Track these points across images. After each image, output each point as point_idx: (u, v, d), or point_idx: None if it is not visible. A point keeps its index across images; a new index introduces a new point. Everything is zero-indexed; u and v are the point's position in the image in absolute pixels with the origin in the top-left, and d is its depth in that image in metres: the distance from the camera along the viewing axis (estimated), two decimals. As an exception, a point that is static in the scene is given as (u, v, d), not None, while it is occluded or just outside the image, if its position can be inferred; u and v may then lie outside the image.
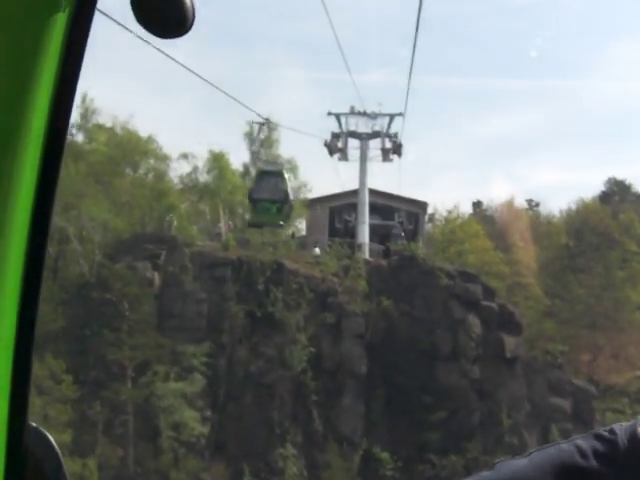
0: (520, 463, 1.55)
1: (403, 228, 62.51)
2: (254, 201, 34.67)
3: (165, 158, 60.69)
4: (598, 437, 1.57)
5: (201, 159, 56.39)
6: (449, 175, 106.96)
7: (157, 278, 45.76)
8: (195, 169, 55.36)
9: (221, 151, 55.61)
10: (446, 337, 48.49)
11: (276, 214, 34.50)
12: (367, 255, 56.17)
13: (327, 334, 47.06)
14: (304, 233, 65.38)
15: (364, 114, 61.79)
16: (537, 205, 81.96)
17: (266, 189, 34.99)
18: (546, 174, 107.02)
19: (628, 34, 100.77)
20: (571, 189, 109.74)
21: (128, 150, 55.93)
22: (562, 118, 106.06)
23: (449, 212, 68.92)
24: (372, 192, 61.33)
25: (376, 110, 61.91)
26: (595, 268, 65.02)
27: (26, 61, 1.38)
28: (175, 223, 51.42)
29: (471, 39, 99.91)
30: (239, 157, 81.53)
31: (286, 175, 37.07)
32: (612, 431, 1.57)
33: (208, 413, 43.12)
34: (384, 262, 52.17)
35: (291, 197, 53.70)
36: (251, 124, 47.08)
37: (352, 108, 62.04)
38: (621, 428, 1.58)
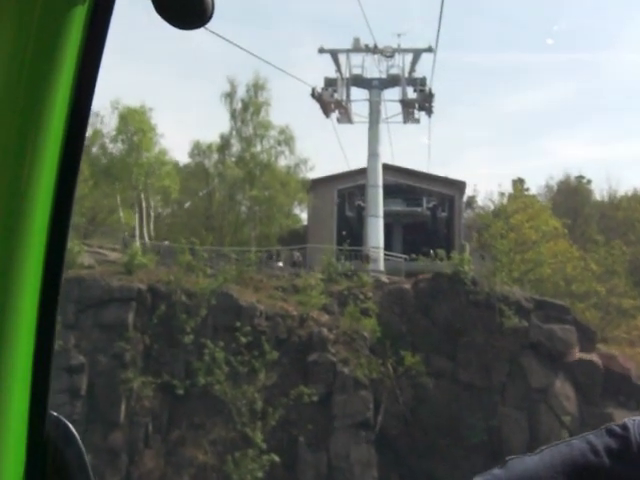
0: (531, 460, 1.53)
1: (434, 217, 44.04)
2: None
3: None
4: (610, 433, 1.54)
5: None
6: (479, 153, 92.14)
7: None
8: (97, 134, 34.33)
9: (142, 105, 34.85)
10: (517, 420, 27.81)
11: None
12: (382, 267, 36.12)
13: (305, 423, 26.38)
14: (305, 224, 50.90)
15: (374, 50, 40.67)
16: (589, 182, 62.87)
17: None
18: (582, 149, 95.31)
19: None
20: (613, 164, 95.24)
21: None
22: (591, 92, 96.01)
23: (502, 194, 48.84)
24: (390, 169, 44.41)
25: (393, 44, 40.94)
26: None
27: (45, 58, 1.38)
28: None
29: (497, 14, 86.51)
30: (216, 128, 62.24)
31: None
32: (625, 426, 1.55)
33: None
34: (407, 284, 31.47)
35: None
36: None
37: (356, 41, 41.00)
38: (634, 423, 1.55)
